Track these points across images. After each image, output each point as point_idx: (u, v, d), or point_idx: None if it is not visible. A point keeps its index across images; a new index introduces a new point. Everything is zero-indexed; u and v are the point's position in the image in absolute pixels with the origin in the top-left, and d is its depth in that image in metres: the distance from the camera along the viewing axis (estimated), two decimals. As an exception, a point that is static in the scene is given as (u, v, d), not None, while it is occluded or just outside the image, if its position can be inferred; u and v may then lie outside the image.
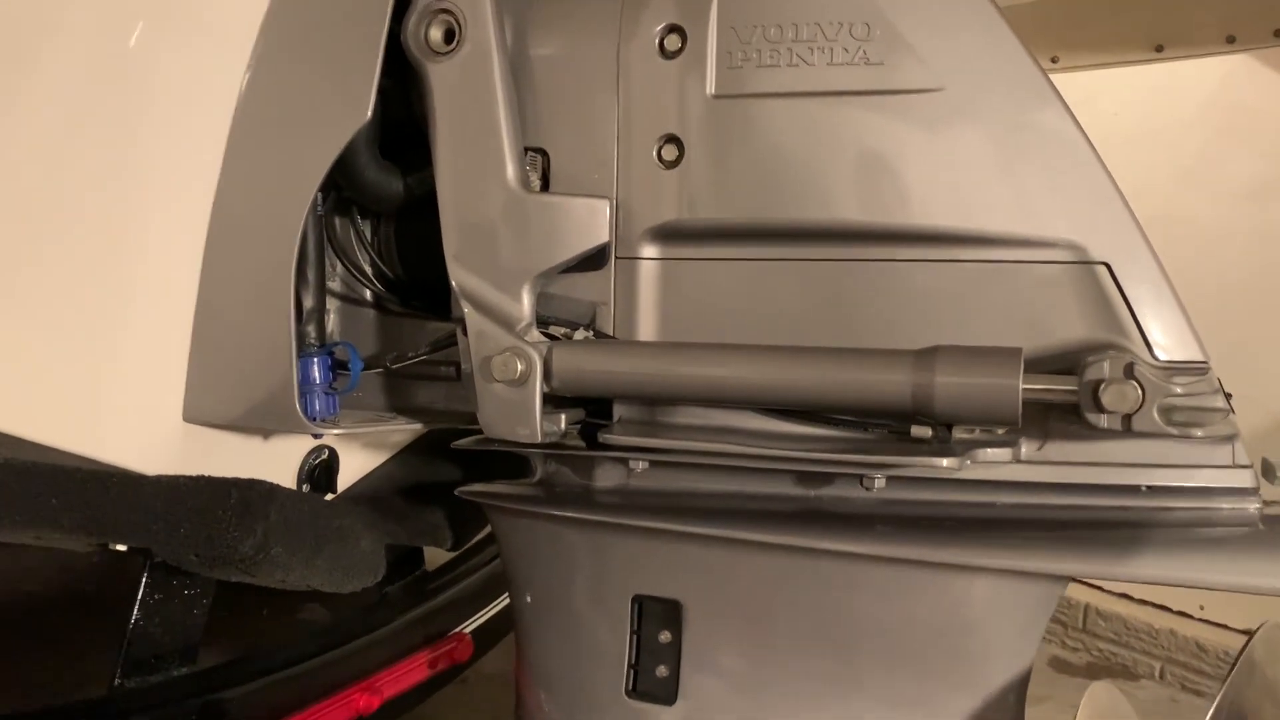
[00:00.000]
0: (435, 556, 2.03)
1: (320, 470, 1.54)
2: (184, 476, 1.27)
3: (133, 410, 1.26)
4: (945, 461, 1.07)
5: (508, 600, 2.01)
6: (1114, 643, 3.32)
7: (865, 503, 1.20)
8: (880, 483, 1.17)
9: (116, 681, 1.29)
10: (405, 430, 1.65)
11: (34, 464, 1.26)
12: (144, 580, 1.32)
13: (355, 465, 1.64)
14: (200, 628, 1.39)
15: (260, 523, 1.20)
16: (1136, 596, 3.35)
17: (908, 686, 1.22)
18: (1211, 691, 3.05)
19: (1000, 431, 1.13)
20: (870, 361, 1.10)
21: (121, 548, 1.37)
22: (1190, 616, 3.24)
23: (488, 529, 2.18)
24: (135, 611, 1.32)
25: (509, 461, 1.41)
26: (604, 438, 1.23)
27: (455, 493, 1.42)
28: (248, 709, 1.39)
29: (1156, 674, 3.21)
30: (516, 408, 1.21)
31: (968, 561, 1.12)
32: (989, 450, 1.12)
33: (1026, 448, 1.14)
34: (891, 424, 1.16)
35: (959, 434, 1.13)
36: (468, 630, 1.82)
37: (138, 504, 1.25)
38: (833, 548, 1.17)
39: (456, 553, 1.85)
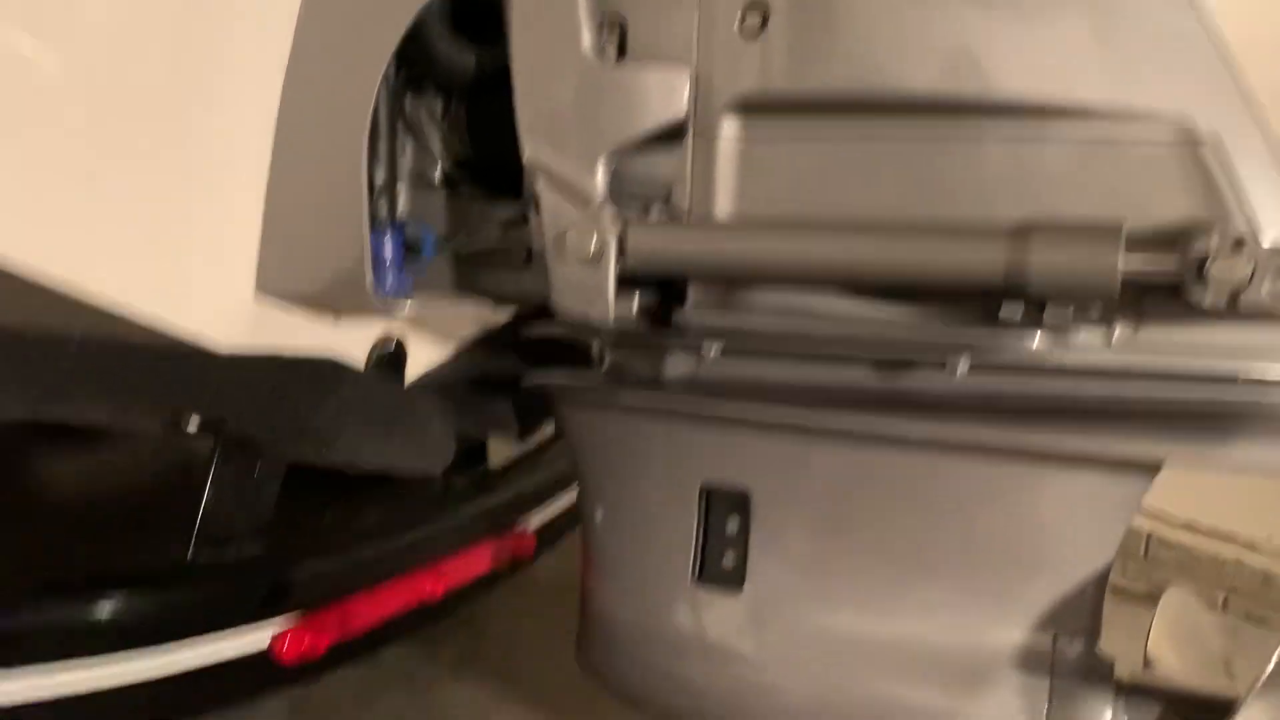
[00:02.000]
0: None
1: (388, 361, 1.54)
2: (257, 354, 1.27)
3: (208, 282, 1.26)
4: (1036, 341, 1.03)
5: (569, 501, 2.02)
6: (1177, 572, 3.25)
7: (947, 391, 1.17)
8: (963, 368, 1.13)
9: (190, 556, 1.31)
10: (472, 320, 1.65)
11: (111, 340, 1.27)
12: (215, 458, 1.33)
13: (422, 358, 1.63)
14: (270, 509, 1.40)
15: (333, 397, 1.20)
16: (1202, 527, 3.27)
17: (983, 579, 1.19)
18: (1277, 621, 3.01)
19: (1094, 314, 1.08)
20: (961, 236, 1.05)
21: (193, 428, 1.38)
22: (1257, 550, 3.17)
23: (552, 426, 2.20)
24: (207, 489, 1.33)
25: (575, 354, 1.40)
26: (679, 317, 1.20)
27: (521, 383, 1.41)
28: (317, 587, 1.41)
29: (1220, 604, 3.15)
30: (589, 287, 1.19)
31: (1054, 448, 1.09)
32: (1081, 334, 1.08)
33: (1120, 332, 1.09)
34: (979, 306, 1.12)
35: (1050, 317, 1.09)
36: (530, 528, 1.84)
37: (211, 379, 1.26)
38: (912, 434, 1.14)
39: (519, 447, 1.85)
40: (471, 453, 1.90)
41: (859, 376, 1.22)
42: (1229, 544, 3.16)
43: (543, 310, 1.26)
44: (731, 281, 1.21)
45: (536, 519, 1.89)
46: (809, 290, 1.18)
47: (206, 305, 1.28)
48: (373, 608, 1.42)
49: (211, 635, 1.26)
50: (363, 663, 2.19)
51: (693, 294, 1.23)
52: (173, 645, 1.23)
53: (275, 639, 1.28)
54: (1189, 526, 3.28)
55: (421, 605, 1.51)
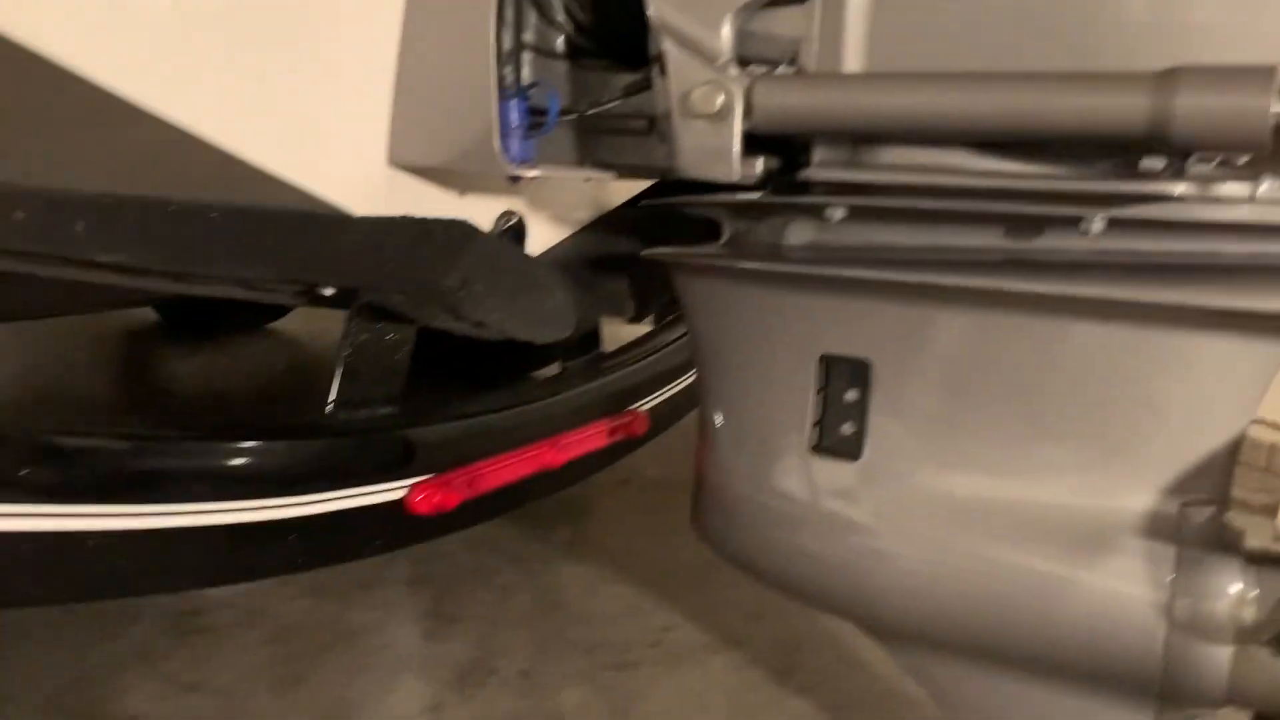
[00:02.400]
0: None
1: (510, 235, 1.57)
2: (389, 216, 1.31)
3: (344, 150, 1.31)
4: (1179, 187, 1.00)
5: (681, 386, 2.06)
6: (1299, 483, 3.15)
7: (1081, 251, 1.14)
8: (1099, 226, 1.10)
9: (328, 409, 1.38)
10: (590, 203, 1.68)
11: (250, 208, 1.33)
12: (350, 322, 1.39)
13: (542, 236, 1.67)
14: (403, 372, 1.47)
15: (464, 258, 1.24)
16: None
17: (1111, 443, 1.18)
18: None
19: (1240, 165, 1.04)
20: (1103, 83, 1.02)
21: (329, 291, 1.44)
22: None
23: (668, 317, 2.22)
24: (342, 352, 1.40)
25: (693, 234, 1.41)
26: (806, 174, 1.20)
27: (641, 255, 1.43)
28: (446, 449, 1.47)
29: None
30: (715, 145, 1.20)
31: (1192, 303, 1.06)
32: (1226, 185, 1.04)
33: (1267, 185, 1.05)
34: (1118, 161, 1.09)
35: (1194, 169, 1.05)
36: (642, 409, 1.88)
37: (345, 242, 1.31)
38: (1043, 290, 1.12)
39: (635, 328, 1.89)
40: (587, 338, 1.95)
41: (989, 239, 1.20)
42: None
43: (664, 188, 1.27)
44: (859, 138, 1.20)
45: (649, 401, 1.93)
46: (940, 147, 1.16)
47: (341, 172, 1.33)
48: (498, 471, 1.48)
49: (351, 487, 1.34)
50: (485, 540, 2.30)
51: (818, 153, 1.22)
52: (316, 493, 1.32)
53: (410, 491, 1.35)
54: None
55: (543, 473, 1.57)
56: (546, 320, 1.39)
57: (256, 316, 3.13)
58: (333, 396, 1.39)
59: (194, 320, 3.01)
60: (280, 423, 1.37)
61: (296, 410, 1.46)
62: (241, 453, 1.30)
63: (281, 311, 3.17)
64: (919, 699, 1.76)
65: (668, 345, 2.07)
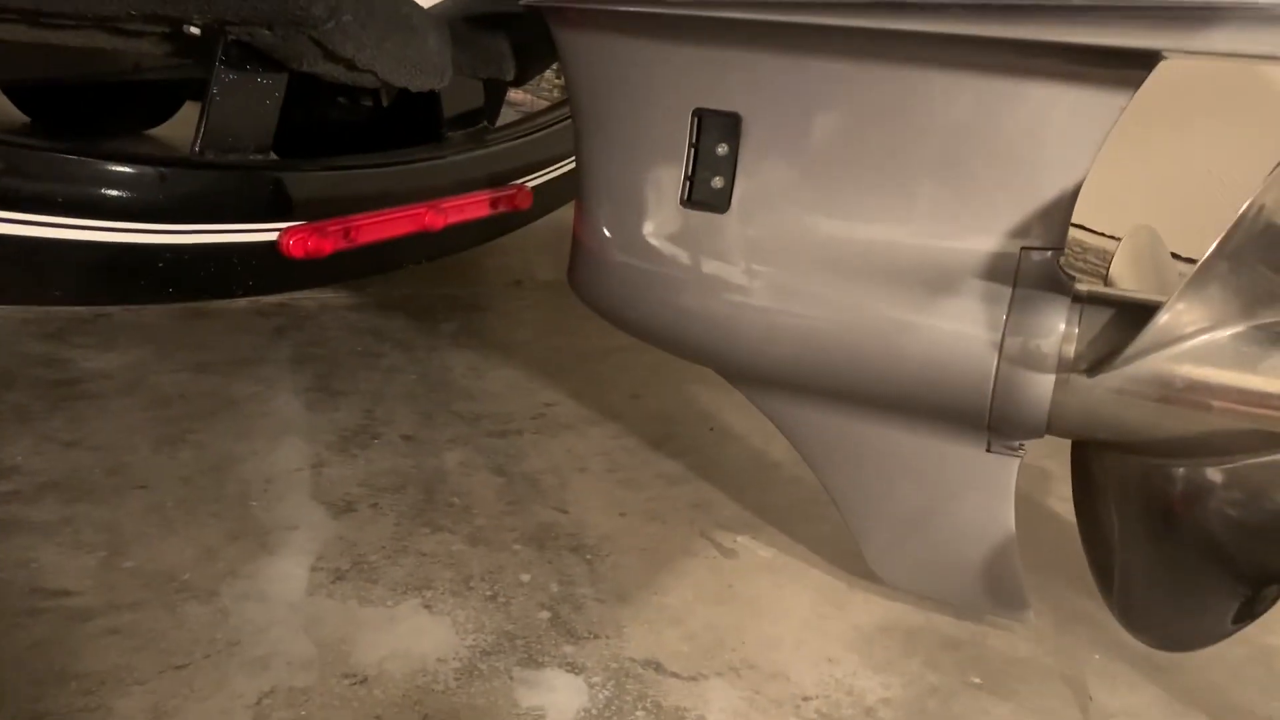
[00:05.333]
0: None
1: (391, -10, 1.53)
2: (256, -54, 1.27)
3: None
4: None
5: (568, 166, 2.06)
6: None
7: (940, -3, 1.17)
8: (957, -35, 1.13)
9: (196, 149, 1.36)
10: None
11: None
12: (219, 58, 1.36)
13: (423, -3, 1.63)
14: (274, 119, 1.44)
15: (331, -15, 1.21)
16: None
17: (961, 188, 1.25)
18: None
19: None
20: None
21: (195, 30, 1.39)
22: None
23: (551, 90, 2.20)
24: (211, 89, 1.36)
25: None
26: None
27: (521, 5, 1.41)
28: (321, 199, 1.47)
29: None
30: None
31: (1044, 38, 1.11)
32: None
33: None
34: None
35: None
36: (528, 184, 1.88)
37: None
38: (904, 28, 1.16)
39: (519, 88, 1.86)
40: (478, 112, 1.93)
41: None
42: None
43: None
44: None
45: (535, 178, 1.93)
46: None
47: None
48: (374, 226, 1.48)
49: (221, 223, 1.34)
50: (371, 329, 2.31)
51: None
52: (185, 223, 1.31)
53: (283, 234, 1.35)
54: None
55: (423, 233, 1.57)
56: (419, 65, 1.37)
57: (131, 119, 3.00)
58: (199, 135, 1.37)
59: (64, 118, 2.87)
60: (149, 154, 1.35)
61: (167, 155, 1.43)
62: (111, 173, 1.28)
63: (159, 117, 3.04)
64: (782, 461, 1.88)
65: (558, 124, 2.07)
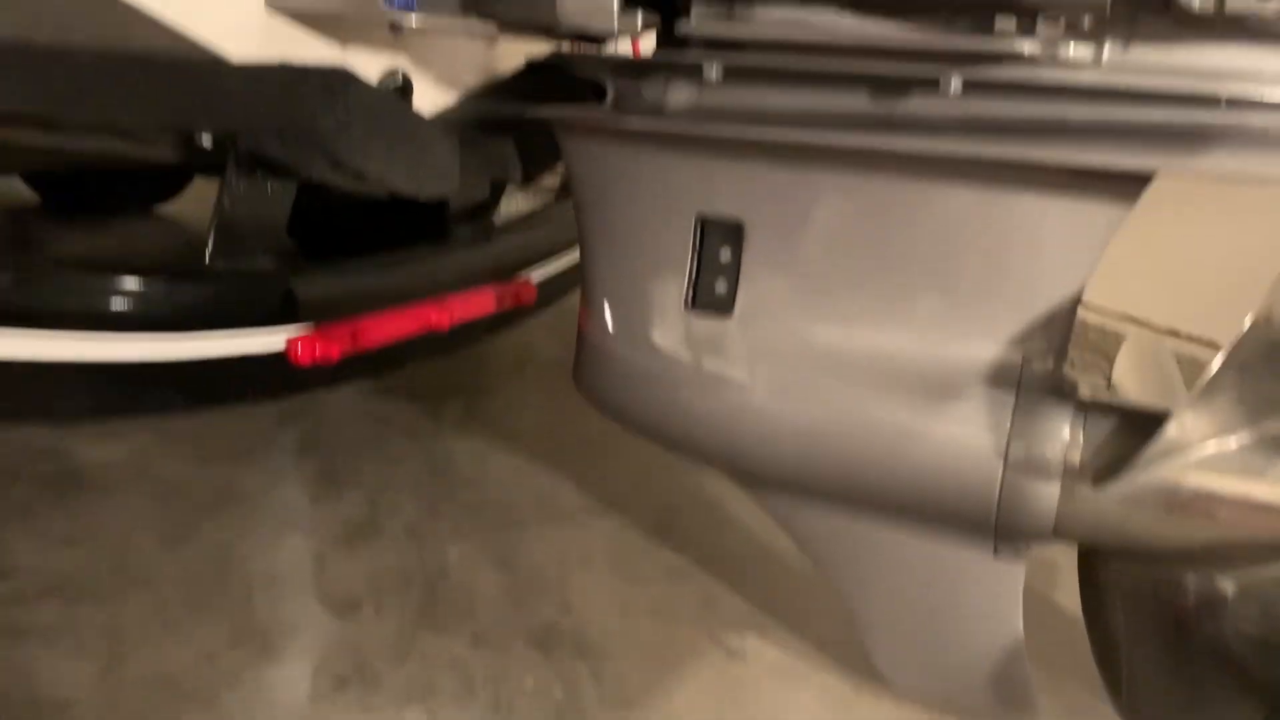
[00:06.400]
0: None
1: (395, 93, 1.56)
2: (269, 63, 1.29)
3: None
4: (1028, 45, 1.06)
5: (573, 259, 2.08)
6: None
7: (940, 114, 1.20)
8: (956, 86, 1.16)
9: (208, 260, 1.37)
10: (478, 68, 1.67)
11: (120, 50, 1.29)
12: (230, 168, 1.38)
13: (428, 98, 1.65)
14: (283, 224, 1.46)
15: (341, 99, 1.23)
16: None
17: (963, 298, 1.26)
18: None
19: (1085, 29, 1.11)
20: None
21: (207, 142, 1.42)
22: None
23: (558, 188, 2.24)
24: (221, 201, 1.38)
25: (581, 95, 1.42)
26: (682, 28, 1.22)
27: (525, 114, 1.44)
28: (329, 302, 1.48)
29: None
30: (595, -2, 1.21)
31: (1040, 160, 1.13)
32: (1073, 46, 1.10)
33: (1110, 50, 1.12)
34: (975, 23, 1.14)
35: (1042, 31, 1.11)
36: (533, 279, 1.90)
37: (222, 87, 1.29)
38: (904, 149, 1.18)
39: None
40: (479, 207, 1.96)
41: (858, 102, 1.25)
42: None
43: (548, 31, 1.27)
44: (734, -6, 1.22)
45: (540, 271, 1.95)
46: (811, 5, 1.20)
47: (219, 15, 1.30)
48: (381, 327, 1.49)
49: (230, 331, 1.35)
50: (376, 414, 2.31)
51: (696, 9, 1.25)
52: (194, 334, 1.32)
53: (291, 342, 1.36)
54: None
55: (429, 333, 1.58)
56: (428, 173, 1.39)
57: (142, 196, 3.03)
58: (211, 244, 1.38)
59: (74, 198, 2.90)
60: (159, 265, 1.36)
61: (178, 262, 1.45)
62: (119, 287, 1.29)
63: (169, 192, 3.07)
64: (784, 554, 1.88)
65: (560, 218, 2.09)
